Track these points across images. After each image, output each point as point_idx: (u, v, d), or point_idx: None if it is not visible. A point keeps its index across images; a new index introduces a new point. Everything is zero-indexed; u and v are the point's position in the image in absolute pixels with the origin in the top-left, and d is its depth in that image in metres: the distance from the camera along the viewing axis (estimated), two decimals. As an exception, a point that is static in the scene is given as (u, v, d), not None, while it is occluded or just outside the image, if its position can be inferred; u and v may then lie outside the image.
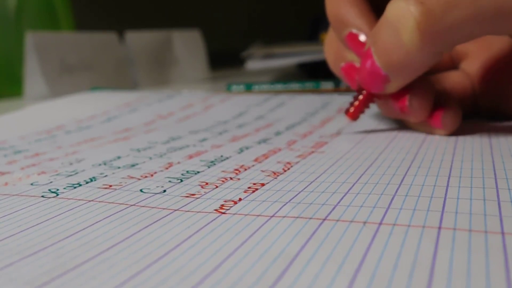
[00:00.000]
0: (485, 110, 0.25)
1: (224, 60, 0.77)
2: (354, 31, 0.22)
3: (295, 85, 0.40)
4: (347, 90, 0.37)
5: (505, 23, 0.18)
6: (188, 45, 0.65)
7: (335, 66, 0.25)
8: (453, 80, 0.24)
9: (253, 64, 0.52)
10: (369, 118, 0.27)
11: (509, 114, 0.24)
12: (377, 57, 0.20)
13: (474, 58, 0.25)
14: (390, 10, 0.19)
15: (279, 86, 0.40)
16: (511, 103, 0.24)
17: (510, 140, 0.20)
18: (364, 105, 0.22)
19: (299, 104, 0.33)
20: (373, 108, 0.29)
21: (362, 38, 0.22)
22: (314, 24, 0.81)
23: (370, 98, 0.22)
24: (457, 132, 0.22)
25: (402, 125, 0.25)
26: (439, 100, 0.22)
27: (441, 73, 0.25)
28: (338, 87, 0.38)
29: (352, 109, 0.22)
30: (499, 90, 0.24)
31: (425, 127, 0.22)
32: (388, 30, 0.19)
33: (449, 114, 0.21)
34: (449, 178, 0.15)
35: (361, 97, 0.22)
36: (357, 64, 0.23)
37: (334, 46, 0.25)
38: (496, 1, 0.17)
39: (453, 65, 0.26)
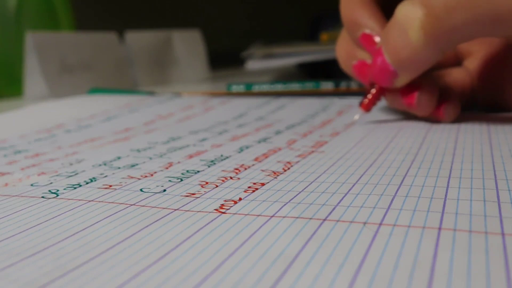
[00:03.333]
0: (483, 103, 0.28)
1: (224, 60, 0.77)
2: (367, 31, 0.24)
3: (295, 85, 0.40)
4: (347, 91, 0.37)
5: (499, 27, 0.20)
6: (188, 45, 0.65)
7: (346, 64, 0.28)
8: (455, 76, 0.27)
9: (253, 64, 0.52)
10: (370, 117, 0.27)
11: (504, 106, 0.26)
12: (387, 54, 0.22)
13: (475, 57, 0.28)
14: (399, 12, 0.22)
15: (279, 86, 0.40)
16: (506, 97, 0.26)
17: (510, 140, 0.20)
18: (376, 98, 0.25)
19: (300, 107, 0.34)
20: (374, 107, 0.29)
21: (375, 37, 0.24)
22: (314, 24, 0.81)
23: (381, 92, 0.25)
24: (458, 129, 0.23)
25: (401, 126, 0.25)
26: (442, 94, 0.24)
27: (445, 69, 0.28)
28: (338, 87, 0.38)
29: (365, 102, 0.25)
30: (495, 86, 0.26)
31: (428, 117, 0.25)
32: (397, 30, 0.22)
33: (450, 106, 0.24)
34: (449, 179, 0.15)
35: (373, 91, 0.25)
36: (369, 61, 0.26)
37: (346, 46, 0.28)
38: (491, 8, 0.19)
39: (457, 62, 0.29)
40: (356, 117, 0.26)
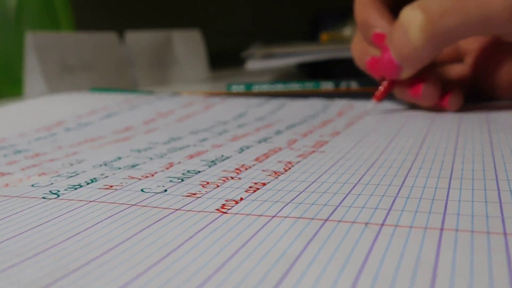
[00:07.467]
0: (481, 93, 0.31)
1: (224, 60, 0.77)
2: (378, 30, 0.27)
3: (295, 85, 0.40)
4: (347, 91, 0.37)
5: (487, 28, 0.24)
6: (188, 45, 0.65)
7: (360, 61, 0.31)
8: (457, 70, 0.31)
9: (253, 64, 0.52)
10: (370, 116, 0.27)
11: (499, 96, 0.30)
12: (392, 51, 0.26)
13: (475, 54, 0.31)
14: (402, 16, 0.25)
15: (279, 86, 0.40)
16: (503, 89, 0.29)
17: (511, 140, 0.20)
18: (387, 90, 0.28)
19: (300, 106, 0.33)
20: (375, 108, 0.29)
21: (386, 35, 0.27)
22: (314, 24, 0.81)
23: (392, 84, 0.28)
24: (458, 129, 0.23)
25: (401, 125, 0.25)
26: (447, 86, 0.28)
27: (448, 65, 0.32)
28: (338, 87, 0.38)
29: (378, 93, 0.28)
30: (490, 77, 0.30)
31: (434, 107, 0.28)
32: (400, 31, 0.25)
33: (454, 97, 0.28)
34: (450, 180, 0.15)
35: (384, 83, 0.28)
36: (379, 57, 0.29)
37: (359, 45, 0.31)
38: (480, 12, 0.23)
39: (459, 59, 0.32)
40: (369, 107, 0.29)
